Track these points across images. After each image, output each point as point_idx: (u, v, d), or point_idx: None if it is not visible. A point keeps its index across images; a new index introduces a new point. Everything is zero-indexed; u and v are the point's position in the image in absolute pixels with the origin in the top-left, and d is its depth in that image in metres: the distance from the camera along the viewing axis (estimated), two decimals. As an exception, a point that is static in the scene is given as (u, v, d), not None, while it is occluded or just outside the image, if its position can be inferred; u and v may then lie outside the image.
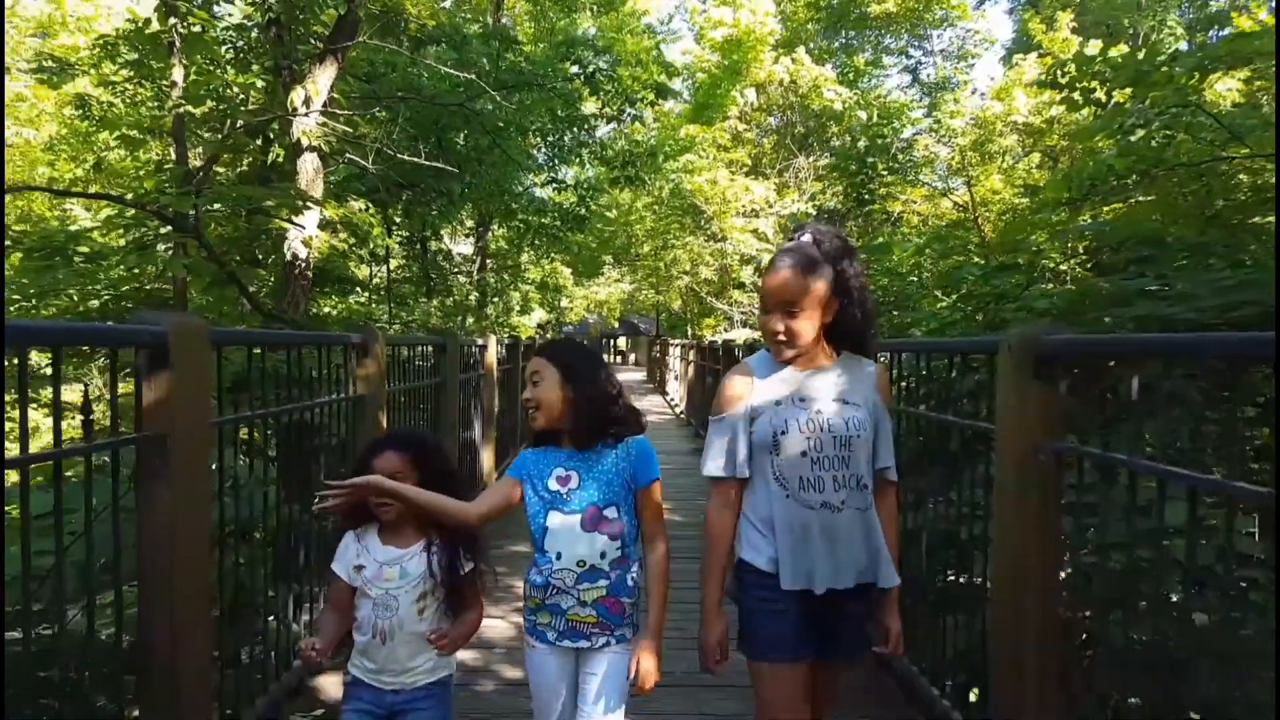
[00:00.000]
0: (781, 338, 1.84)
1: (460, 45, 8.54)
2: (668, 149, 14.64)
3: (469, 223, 14.37)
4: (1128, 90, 6.88)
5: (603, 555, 1.89)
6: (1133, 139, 5.87)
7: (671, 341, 21.43)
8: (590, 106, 9.98)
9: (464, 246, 16.46)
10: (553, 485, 1.92)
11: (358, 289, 10.22)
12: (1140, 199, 7.24)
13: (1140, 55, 6.64)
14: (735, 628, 1.96)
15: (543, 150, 10.37)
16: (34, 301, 4.81)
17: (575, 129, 9.28)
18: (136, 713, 2.07)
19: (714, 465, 1.92)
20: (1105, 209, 7.24)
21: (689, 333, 24.18)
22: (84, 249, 4.72)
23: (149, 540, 2.13)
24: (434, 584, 1.95)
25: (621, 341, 48.70)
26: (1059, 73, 6.89)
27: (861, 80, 17.27)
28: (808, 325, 1.83)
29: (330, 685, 3.14)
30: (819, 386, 1.88)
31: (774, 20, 16.71)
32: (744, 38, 15.45)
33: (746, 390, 1.90)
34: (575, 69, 9.10)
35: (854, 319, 1.88)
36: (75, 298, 4.88)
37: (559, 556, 1.88)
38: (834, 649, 1.92)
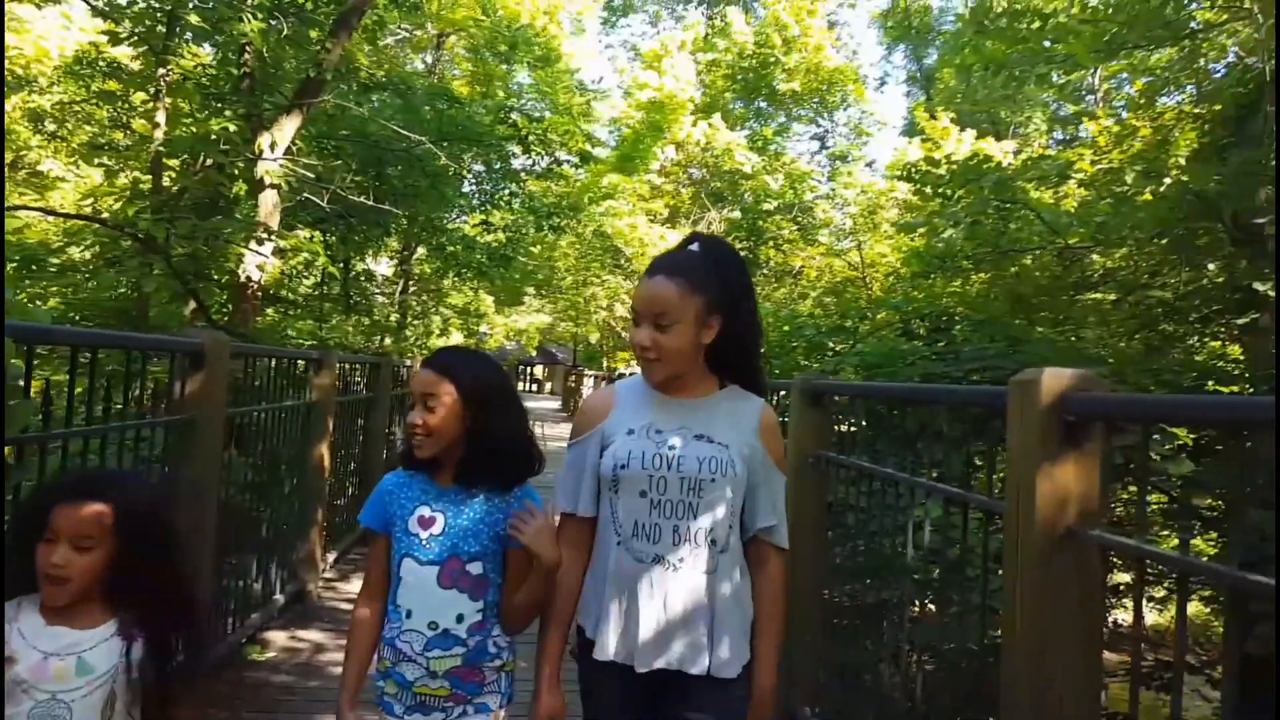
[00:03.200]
0: (650, 354, 1.59)
1: (405, 94, 9.48)
2: (591, 194, 15.84)
3: (393, 244, 14.99)
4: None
5: (459, 619, 1.61)
6: (944, 235, 7.27)
7: (587, 372, 22.45)
8: (519, 161, 11.08)
9: (384, 267, 16.95)
10: (412, 527, 1.65)
11: (277, 305, 10.84)
12: (979, 275, 8.79)
13: (971, 164, 8.20)
14: None
15: (476, 195, 11.38)
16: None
17: (507, 181, 10.35)
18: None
19: (559, 497, 1.68)
20: (973, 279, 8.71)
21: (604, 364, 25.22)
22: (56, 261, 5.35)
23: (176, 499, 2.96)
24: (127, 684, 1.38)
25: (539, 370, 49.25)
26: (911, 171, 8.36)
27: (771, 145, 19.03)
28: (680, 342, 1.58)
29: (280, 637, 3.95)
30: (682, 417, 1.62)
31: (693, 88, 18.34)
32: (666, 101, 16.96)
33: (602, 413, 1.67)
34: (511, 122, 10.17)
35: (739, 345, 1.65)
36: (43, 304, 5.50)
37: (409, 615, 1.62)
38: None
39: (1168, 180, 6.31)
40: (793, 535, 3.40)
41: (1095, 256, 7.93)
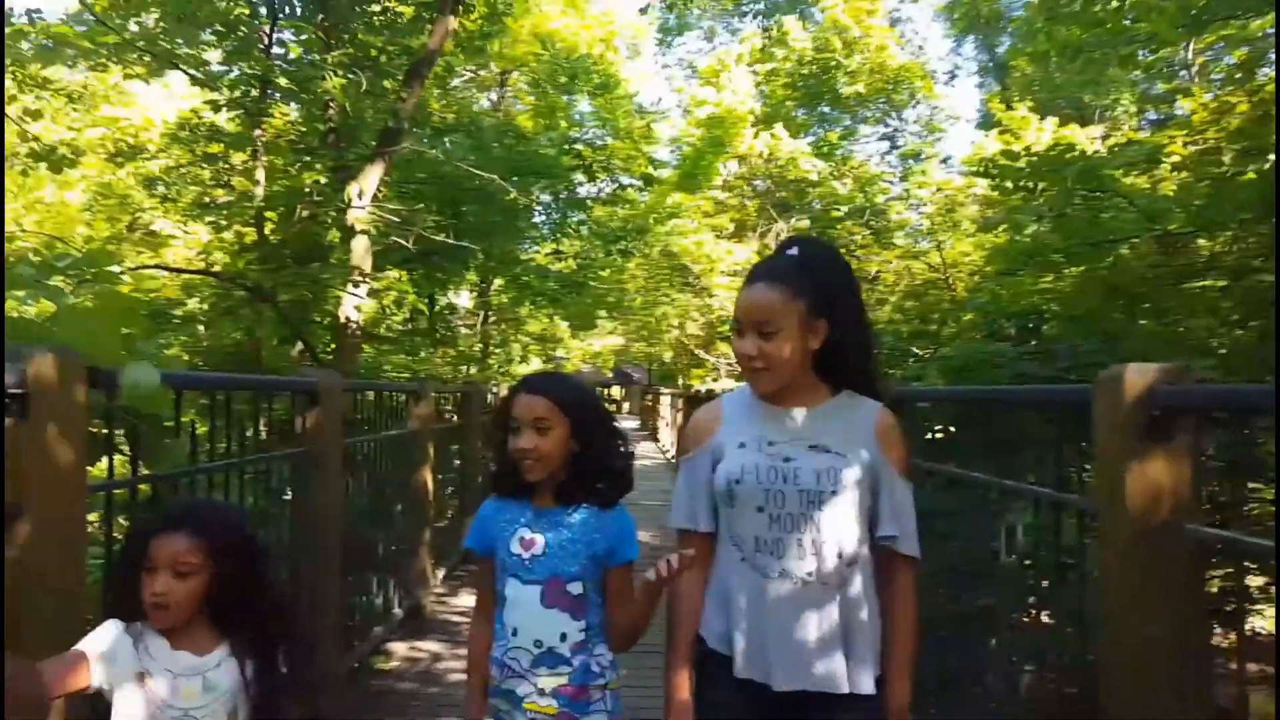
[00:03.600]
0: (757, 363, 1.55)
1: (474, 133, 9.93)
2: (656, 215, 16.05)
3: (472, 278, 15.53)
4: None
5: (563, 638, 1.67)
6: (1028, 231, 7.06)
7: (663, 391, 22.58)
8: (585, 189, 11.43)
9: (465, 300, 17.52)
10: (515, 548, 1.72)
11: (373, 341, 11.44)
12: (1071, 270, 8.47)
13: (1052, 154, 7.93)
14: None
15: (546, 225, 11.77)
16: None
17: (574, 209, 10.69)
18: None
19: (676, 514, 1.68)
20: (1065, 274, 8.39)
21: (679, 382, 25.30)
22: (178, 314, 5.89)
23: (301, 524, 3.19)
24: (246, 699, 1.52)
25: (615, 390, 49.65)
26: (989, 165, 8.18)
27: (837, 151, 18.89)
28: (786, 349, 1.53)
29: (401, 648, 4.21)
30: (795, 428, 1.59)
31: (753, 100, 18.37)
32: (726, 115, 17.07)
33: (711, 428, 1.66)
34: (575, 153, 10.51)
35: (849, 348, 1.59)
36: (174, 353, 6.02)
37: (515, 633, 1.69)
38: None
39: (1271, 157, 5.97)
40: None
41: (1201, 241, 7.49)
